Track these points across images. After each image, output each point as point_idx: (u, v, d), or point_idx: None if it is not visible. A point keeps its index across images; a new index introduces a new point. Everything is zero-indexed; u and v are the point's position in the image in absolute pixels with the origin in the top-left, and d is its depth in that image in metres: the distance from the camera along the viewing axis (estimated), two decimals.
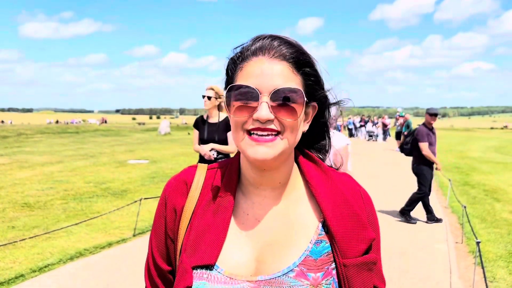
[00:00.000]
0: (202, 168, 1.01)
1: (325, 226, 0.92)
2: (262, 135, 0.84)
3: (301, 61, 0.88)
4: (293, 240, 0.91)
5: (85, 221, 6.12)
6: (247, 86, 0.84)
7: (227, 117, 4.82)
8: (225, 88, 0.93)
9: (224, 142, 4.98)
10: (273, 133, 0.84)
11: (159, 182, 10.37)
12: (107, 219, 6.73)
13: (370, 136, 29.76)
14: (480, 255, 3.94)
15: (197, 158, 5.45)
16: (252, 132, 0.85)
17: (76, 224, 5.88)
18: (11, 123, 72.93)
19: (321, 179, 0.95)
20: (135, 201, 6.44)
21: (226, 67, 0.95)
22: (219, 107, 5.05)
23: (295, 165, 0.97)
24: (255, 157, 0.84)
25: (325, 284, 0.88)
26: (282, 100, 0.84)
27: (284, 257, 0.89)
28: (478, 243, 4.08)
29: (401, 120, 21.19)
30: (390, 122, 29.32)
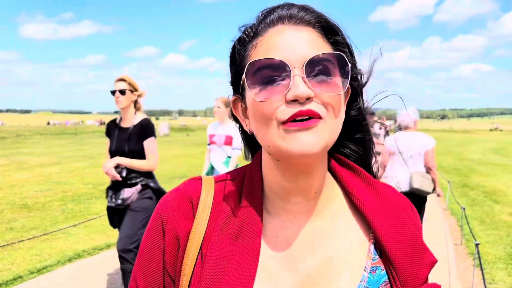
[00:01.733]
0: (209, 182, 0.78)
1: (377, 248, 0.73)
2: (303, 120, 0.63)
3: (329, 27, 0.70)
4: (342, 268, 0.71)
5: (83, 222, 6.10)
6: (268, 60, 0.64)
7: (144, 120, 3.63)
8: (232, 83, 0.74)
9: (139, 155, 3.55)
10: (315, 116, 0.64)
11: None
12: (106, 221, 6.71)
13: None
14: (479, 257, 3.94)
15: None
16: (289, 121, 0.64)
17: (74, 225, 5.87)
18: (2, 124, 74.03)
19: (365, 189, 0.76)
20: None
21: (230, 55, 0.74)
22: (136, 105, 3.70)
23: (328, 171, 0.77)
24: (299, 150, 0.63)
25: None
26: (320, 71, 0.65)
27: None
28: (477, 245, 4.07)
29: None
30: (389, 124, 29.33)
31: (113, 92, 3.60)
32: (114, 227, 3.89)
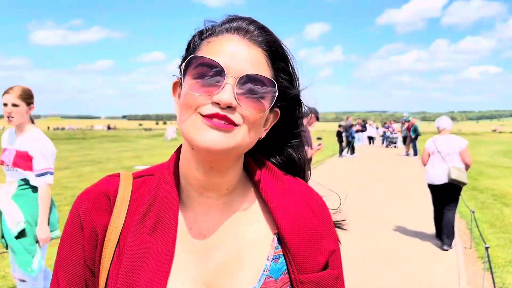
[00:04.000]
0: (127, 177, 0.81)
1: (280, 238, 0.78)
2: (218, 121, 0.69)
3: (277, 53, 0.76)
4: (248, 258, 0.76)
5: None
6: (211, 60, 0.69)
7: None
8: (182, 63, 0.76)
9: None
10: (230, 123, 0.69)
11: None
12: None
13: (370, 141, 29.66)
14: (489, 261, 3.91)
15: None
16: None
17: None
18: (3, 128, 76.37)
19: (274, 185, 0.82)
20: None
21: (188, 42, 0.79)
22: None
23: (244, 171, 0.84)
24: (204, 143, 0.67)
25: None
26: (251, 88, 0.70)
27: (241, 280, 0.74)
28: (487, 248, 4.05)
29: (406, 125, 21.15)
30: (396, 127, 29.24)
31: None
32: None
